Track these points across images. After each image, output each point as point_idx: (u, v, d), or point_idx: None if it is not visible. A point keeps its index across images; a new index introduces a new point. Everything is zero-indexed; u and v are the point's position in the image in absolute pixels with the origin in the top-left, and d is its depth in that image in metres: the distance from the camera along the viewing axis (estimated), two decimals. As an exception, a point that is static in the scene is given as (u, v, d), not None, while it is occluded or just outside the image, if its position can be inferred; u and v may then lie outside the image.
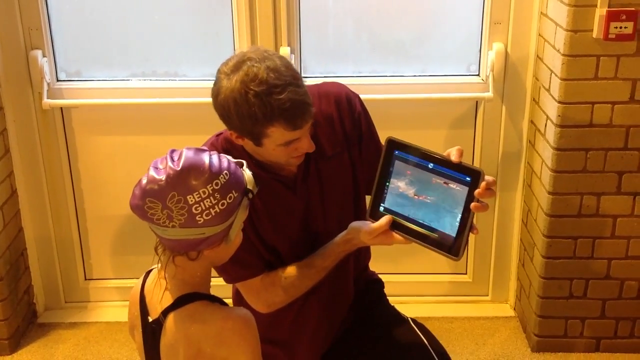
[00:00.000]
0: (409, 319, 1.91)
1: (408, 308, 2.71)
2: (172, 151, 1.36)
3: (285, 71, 1.52)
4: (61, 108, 2.75)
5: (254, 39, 2.61)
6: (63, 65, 2.74)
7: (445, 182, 1.55)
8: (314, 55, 2.71)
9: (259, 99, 1.49)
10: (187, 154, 1.34)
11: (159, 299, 1.43)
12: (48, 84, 2.68)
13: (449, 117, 2.74)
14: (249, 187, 1.40)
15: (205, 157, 1.34)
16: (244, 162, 1.44)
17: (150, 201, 1.32)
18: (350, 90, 1.81)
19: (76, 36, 2.72)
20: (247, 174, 1.41)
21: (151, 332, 1.45)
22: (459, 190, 1.53)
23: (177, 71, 2.72)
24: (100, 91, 2.72)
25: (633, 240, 2.48)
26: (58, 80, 2.74)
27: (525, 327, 2.76)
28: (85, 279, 2.99)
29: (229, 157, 1.40)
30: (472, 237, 2.80)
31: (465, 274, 2.97)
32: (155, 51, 2.74)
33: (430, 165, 1.57)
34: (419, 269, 2.94)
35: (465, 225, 1.53)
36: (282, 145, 1.58)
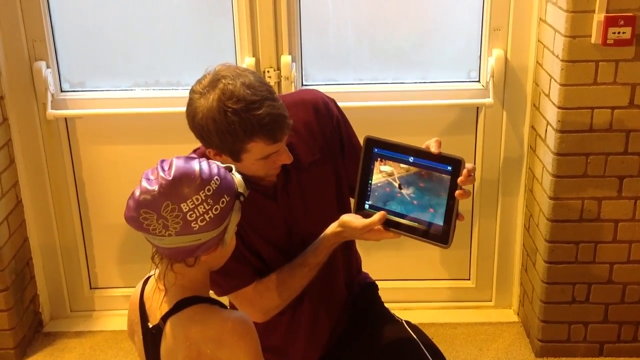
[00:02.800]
0: (403, 321, 1.92)
1: (411, 314, 2.71)
2: (162, 161, 1.38)
3: (260, 86, 1.55)
4: (65, 118, 2.77)
5: (255, 48, 2.63)
6: (67, 75, 2.76)
7: (427, 174, 1.59)
8: (315, 63, 2.73)
9: (238, 116, 1.52)
10: (177, 163, 1.36)
11: (158, 304, 1.44)
12: (52, 95, 2.70)
13: (450, 124, 2.75)
14: (240, 190, 1.42)
15: (196, 165, 1.37)
16: (233, 166, 1.46)
17: (145, 212, 1.34)
18: (326, 96, 1.84)
19: (80, 47, 2.74)
20: (237, 177, 1.43)
21: (151, 338, 1.46)
22: (442, 180, 1.57)
23: (179, 80, 2.74)
24: (103, 101, 2.75)
25: (635, 245, 2.48)
26: (62, 91, 2.77)
27: (529, 332, 2.77)
28: (91, 288, 3.01)
29: (218, 163, 1.43)
30: (475, 243, 2.86)
31: (469, 279, 2.97)
32: (158, 61, 2.76)
33: (411, 159, 1.60)
34: (421, 275, 2.95)
35: (452, 213, 1.57)
36: (261, 159, 1.60)
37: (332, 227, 1.71)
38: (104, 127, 2.79)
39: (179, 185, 1.33)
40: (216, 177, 1.37)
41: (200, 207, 1.34)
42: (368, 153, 1.65)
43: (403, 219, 1.63)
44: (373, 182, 1.66)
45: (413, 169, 1.61)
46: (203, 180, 1.35)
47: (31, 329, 2.86)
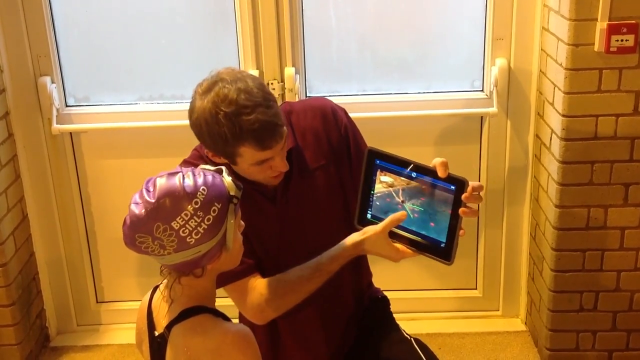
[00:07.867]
0: (412, 338, 1.90)
1: (419, 324, 2.70)
2: (147, 181, 1.37)
3: (256, 92, 1.55)
4: (70, 133, 2.78)
5: (259, 60, 2.64)
6: (71, 90, 2.77)
7: (429, 190, 1.58)
8: (318, 75, 2.73)
9: (228, 120, 1.53)
10: (160, 183, 1.35)
11: (165, 313, 1.45)
12: (57, 110, 2.72)
13: (455, 133, 2.76)
14: (232, 193, 1.40)
15: (178, 180, 1.35)
16: (223, 168, 1.44)
17: (140, 236, 1.35)
18: (336, 104, 1.84)
19: (84, 62, 2.76)
20: (227, 180, 1.41)
21: (157, 347, 1.46)
22: (445, 197, 1.56)
23: (183, 94, 2.75)
24: (108, 115, 2.76)
25: (642, 252, 2.48)
26: (67, 106, 2.78)
27: (537, 341, 2.76)
28: (97, 302, 3.01)
29: (206, 169, 1.41)
30: (481, 253, 2.85)
31: (476, 289, 2.96)
32: (162, 75, 2.77)
33: (413, 174, 1.59)
34: (428, 285, 2.94)
35: (455, 230, 1.56)
36: (255, 164, 1.60)
37: (353, 237, 1.68)
38: (109, 142, 2.80)
39: (164, 206, 1.33)
40: (202, 187, 1.35)
41: (192, 222, 1.33)
42: (370, 164, 1.64)
43: (405, 232, 1.62)
44: (375, 193, 1.65)
45: (414, 183, 1.59)
46: (188, 195, 1.33)
47: (38, 344, 2.86)
